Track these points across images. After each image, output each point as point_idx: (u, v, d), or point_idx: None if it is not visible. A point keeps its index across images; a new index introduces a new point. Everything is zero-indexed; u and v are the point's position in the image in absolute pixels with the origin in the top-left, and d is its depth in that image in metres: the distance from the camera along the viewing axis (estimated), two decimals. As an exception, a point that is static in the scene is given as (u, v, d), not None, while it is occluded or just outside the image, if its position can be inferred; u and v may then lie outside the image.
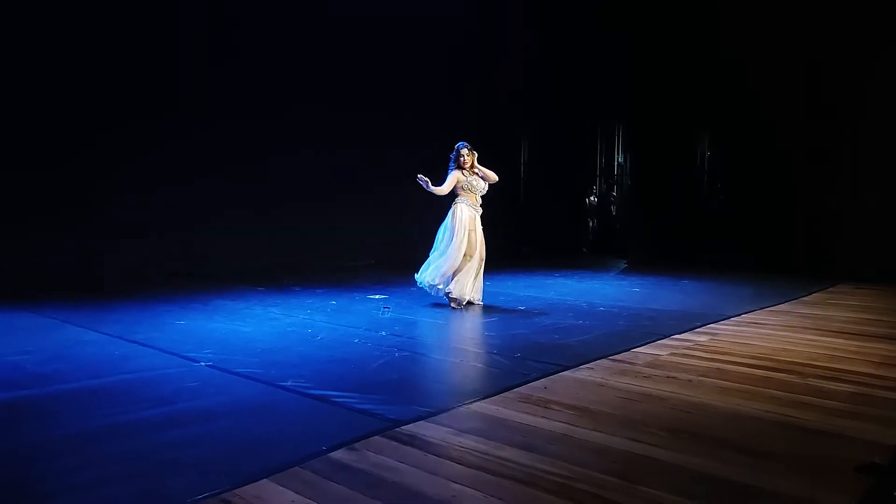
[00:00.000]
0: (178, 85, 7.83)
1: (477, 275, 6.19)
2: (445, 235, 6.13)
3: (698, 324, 5.34)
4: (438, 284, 6.07)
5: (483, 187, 6.24)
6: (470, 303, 6.15)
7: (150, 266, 7.59)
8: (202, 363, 3.91)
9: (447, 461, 2.48)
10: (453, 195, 6.20)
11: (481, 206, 6.28)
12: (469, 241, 6.06)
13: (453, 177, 6.15)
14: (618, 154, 12.85)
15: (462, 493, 2.22)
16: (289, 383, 3.50)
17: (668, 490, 2.27)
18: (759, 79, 10.10)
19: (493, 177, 6.26)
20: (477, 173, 6.20)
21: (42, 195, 6.83)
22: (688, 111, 11.24)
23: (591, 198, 13.24)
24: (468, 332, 5.28)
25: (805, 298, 7.09)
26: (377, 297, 6.69)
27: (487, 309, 6.12)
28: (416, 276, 6.25)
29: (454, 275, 6.04)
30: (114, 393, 3.33)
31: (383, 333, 4.86)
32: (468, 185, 6.15)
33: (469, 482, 2.30)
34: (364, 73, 9.54)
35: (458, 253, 6.01)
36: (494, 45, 11.96)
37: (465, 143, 6.21)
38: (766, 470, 2.45)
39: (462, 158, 6.15)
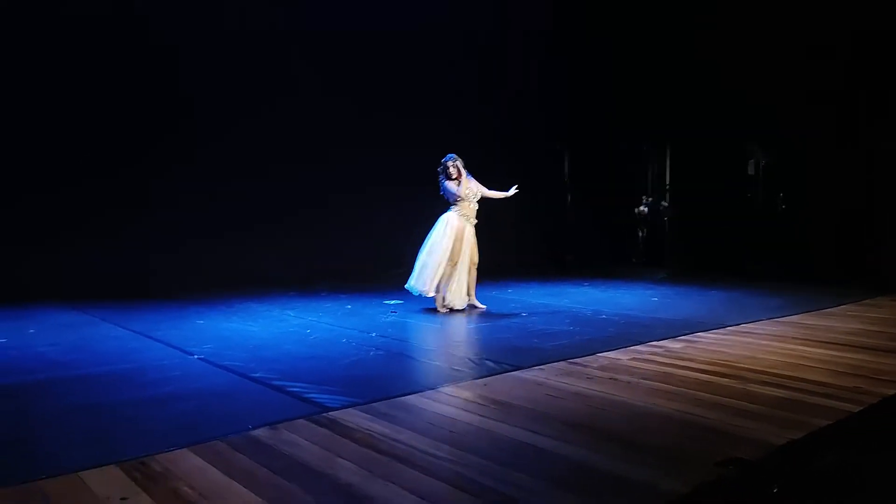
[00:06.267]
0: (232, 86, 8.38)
1: (462, 280, 6.40)
2: (433, 242, 6.40)
3: (686, 332, 5.41)
4: (429, 291, 6.38)
5: (476, 194, 6.45)
6: (472, 306, 6.50)
7: (197, 272, 8.24)
8: (195, 356, 4.42)
9: (346, 440, 2.83)
10: (448, 203, 6.48)
11: (476, 215, 6.48)
12: (454, 249, 6.33)
13: (463, 184, 6.38)
14: (668, 164, 12.76)
15: (341, 465, 2.56)
16: (257, 375, 3.93)
17: (535, 475, 2.51)
18: (801, 84, 9.89)
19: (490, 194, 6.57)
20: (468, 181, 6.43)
21: (98, 204, 7.57)
22: (736, 122, 11.09)
23: (641, 207, 13.18)
24: (454, 334, 5.58)
25: (830, 310, 6.92)
26: (392, 301, 7.09)
27: (488, 314, 6.40)
28: (407, 283, 6.53)
29: (444, 281, 6.34)
30: (107, 379, 3.88)
31: (373, 335, 5.25)
32: (465, 192, 6.40)
33: (353, 458, 2.63)
34: (397, 78, 9.72)
35: (444, 259, 6.29)
36: (532, 51, 12.04)
37: (452, 156, 6.43)
38: (632, 460, 2.65)
39: (451, 171, 6.36)
